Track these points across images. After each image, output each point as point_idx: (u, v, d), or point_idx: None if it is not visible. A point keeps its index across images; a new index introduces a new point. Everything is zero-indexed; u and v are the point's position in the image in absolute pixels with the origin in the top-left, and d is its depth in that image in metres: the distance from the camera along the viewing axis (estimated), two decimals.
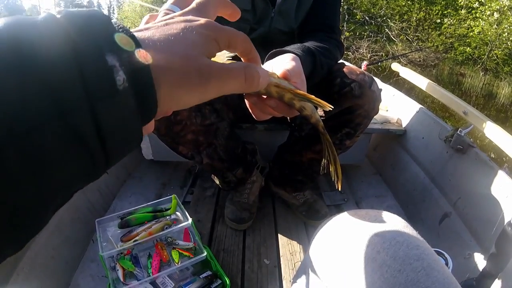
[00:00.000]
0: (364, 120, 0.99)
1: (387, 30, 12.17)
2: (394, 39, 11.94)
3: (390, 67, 1.91)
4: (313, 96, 0.37)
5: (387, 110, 1.63)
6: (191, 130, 0.97)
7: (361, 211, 0.44)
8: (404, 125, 1.54)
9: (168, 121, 0.94)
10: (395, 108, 1.63)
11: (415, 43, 11.74)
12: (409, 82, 1.68)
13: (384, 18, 12.43)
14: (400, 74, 1.75)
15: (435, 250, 0.42)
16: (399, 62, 1.99)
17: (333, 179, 0.42)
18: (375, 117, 1.54)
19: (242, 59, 0.33)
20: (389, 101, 1.69)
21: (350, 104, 0.95)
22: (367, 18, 12.24)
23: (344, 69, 0.94)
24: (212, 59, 0.31)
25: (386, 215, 0.42)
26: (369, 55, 10.85)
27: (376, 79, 1.88)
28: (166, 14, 0.30)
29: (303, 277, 0.48)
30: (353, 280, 0.36)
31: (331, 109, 0.36)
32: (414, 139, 1.47)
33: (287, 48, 0.70)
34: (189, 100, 0.25)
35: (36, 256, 0.93)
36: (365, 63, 1.75)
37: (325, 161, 0.44)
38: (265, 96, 0.40)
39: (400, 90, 1.81)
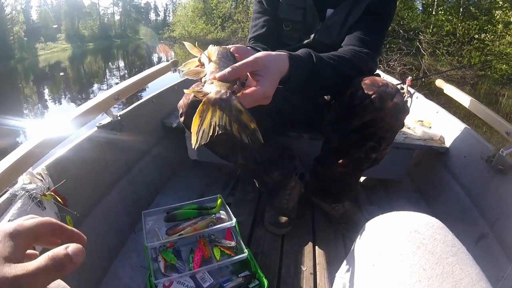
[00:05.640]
0: (387, 133, 0.95)
1: (418, 44, 11.87)
2: (424, 52, 11.61)
3: (434, 83, 1.88)
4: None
5: (430, 127, 1.60)
6: (226, 132, 1.00)
7: (404, 212, 0.49)
8: (446, 142, 1.51)
9: None
10: (438, 125, 1.61)
11: (444, 58, 11.37)
12: (447, 97, 1.66)
13: (417, 31, 12.15)
14: (444, 91, 1.72)
15: None
16: (435, 79, 1.97)
17: None
18: (418, 133, 1.54)
19: None
20: (432, 118, 1.66)
21: (372, 117, 0.92)
22: (401, 31, 12.01)
23: (367, 81, 0.91)
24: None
25: (425, 217, 0.48)
26: (399, 68, 10.58)
27: (419, 94, 1.86)
28: None
29: (352, 266, 0.52)
30: (397, 270, 0.41)
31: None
32: (456, 158, 1.44)
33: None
34: None
35: None
36: (409, 78, 1.73)
37: None
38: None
39: (433, 101, 1.79)
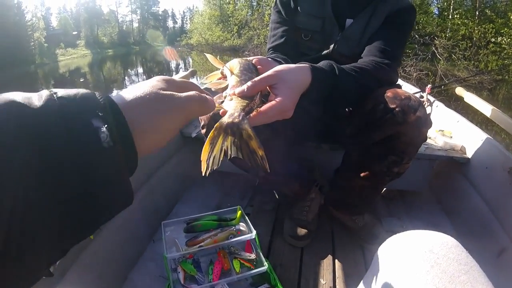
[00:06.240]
0: (409, 147, 0.94)
1: (433, 48, 11.70)
2: (440, 57, 11.43)
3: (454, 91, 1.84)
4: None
5: (451, 137, 1.57)
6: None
7: (419, 231, 0.51)
8: (468, 153, 1.47)
9: None
10: (459, 135, 1.57)
11: (460, 62, 11.18)
12: (465, 103, 1.63)
13: (432, 36, 11.98)
14: (465, 99, 1.69)
15: None
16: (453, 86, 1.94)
17: None
18: (439, 143, 1.51)
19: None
20: (453, 128, 1.63)
21: (393, 131, 0.90)
22: (416, 36, 11.86)
23: (389, 93, 0.90)
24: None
25: (440, 236, 0.49)
26: (415, 74, 10.42)
27: (439, 103, 1.83)
28: None
29: (369, 286, 0.54)
30: None
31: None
32: (477, 169, 1.40)
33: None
34: (164, 127, 0.33)
35: (99, 248, 0.99)
36: (429, 86, 1.70)
37: None
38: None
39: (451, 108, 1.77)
